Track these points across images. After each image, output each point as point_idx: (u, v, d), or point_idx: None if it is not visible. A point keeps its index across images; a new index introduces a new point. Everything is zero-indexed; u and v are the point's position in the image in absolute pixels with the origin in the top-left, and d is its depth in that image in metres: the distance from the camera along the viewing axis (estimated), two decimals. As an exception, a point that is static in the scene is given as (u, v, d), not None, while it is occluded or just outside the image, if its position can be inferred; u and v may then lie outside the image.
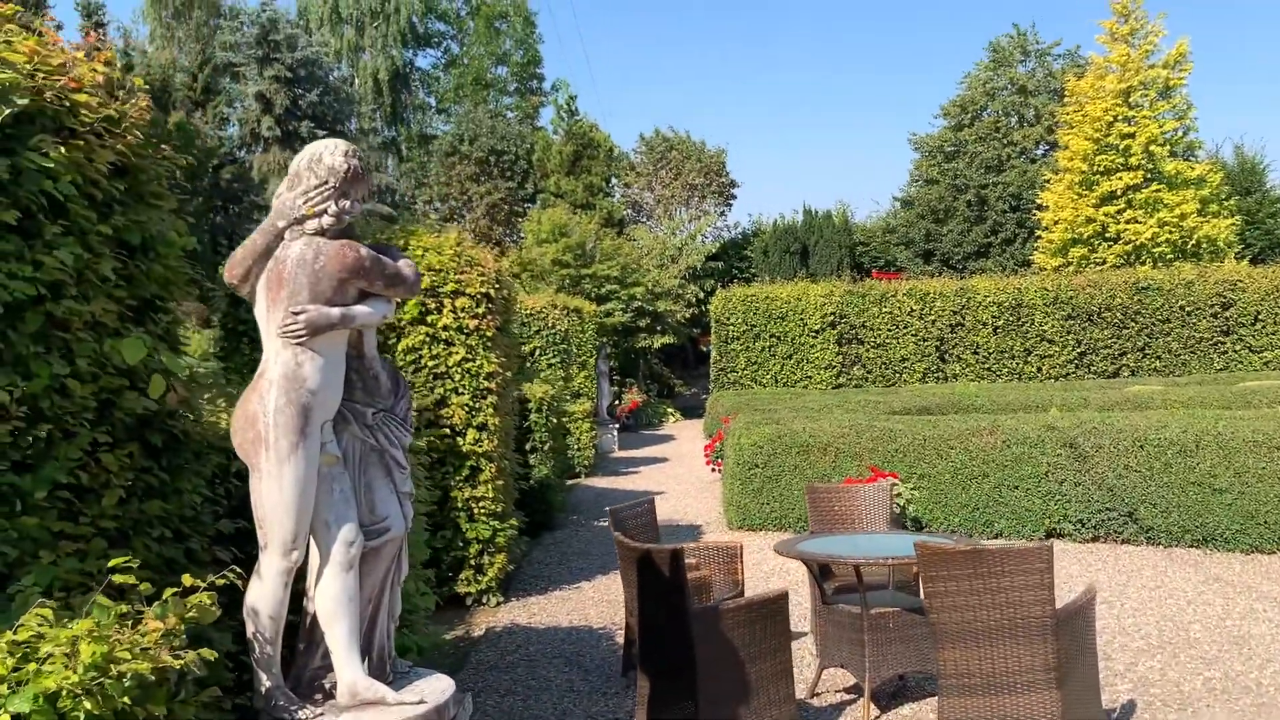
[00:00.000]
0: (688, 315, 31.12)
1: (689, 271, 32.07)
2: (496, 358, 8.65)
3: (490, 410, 8.56)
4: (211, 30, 36.37)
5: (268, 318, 3.42)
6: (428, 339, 8.52)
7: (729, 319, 24.87)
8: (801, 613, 7.37)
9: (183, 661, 2.72)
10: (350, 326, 3.46)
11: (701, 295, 31.70)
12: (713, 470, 16.26)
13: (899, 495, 10.00)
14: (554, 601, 8.91)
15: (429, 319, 8.52)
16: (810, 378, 24.38)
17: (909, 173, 39.97)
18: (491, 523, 8.61)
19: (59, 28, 3.99)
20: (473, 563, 8.63)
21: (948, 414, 14.84)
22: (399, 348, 8.47)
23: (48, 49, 3.69)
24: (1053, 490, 10.41)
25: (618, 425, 23.21)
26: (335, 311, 3.40)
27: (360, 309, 3.48)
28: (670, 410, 29.74)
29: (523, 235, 30.39)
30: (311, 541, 3.47)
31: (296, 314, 3.35)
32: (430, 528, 8.52)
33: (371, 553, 3.58)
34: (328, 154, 3.53)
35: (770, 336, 24.76)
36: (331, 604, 3.42)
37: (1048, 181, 31.65)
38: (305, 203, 3.44)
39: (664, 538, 11.44)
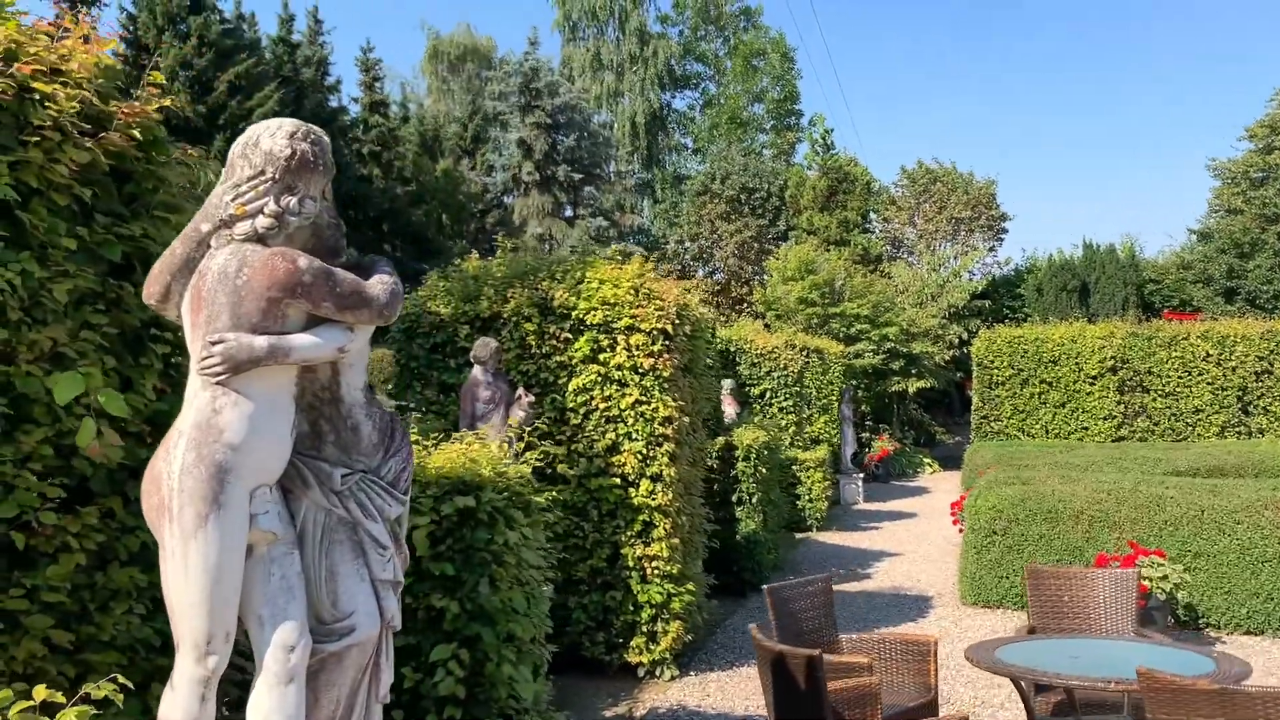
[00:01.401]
0: (948, 357, 28.95)
1: (950, 310, 29.90)
2: (675, 401, 7.75)
3: (666, 459, 7.65)
4: (482, 82, 38.08)
5: (191, 348, 2.67)
6: (600, 379, 7.75)
7: (993, 362, 22.73)
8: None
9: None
10: (285, 362, 2.65)
11: (965, 336, 29.46)
12: (960, 531, 14.56)
13: (1164, 579, 8.17)
14: (736, 681, 7.81)
15: (601, 357, 7.76)
16: (1086, 429, 21.81)
17: (1208, 202, 35.76)
18: (666, 585, 7.67)
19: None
20: (644, 629, 7.70)
21: (1244, 477, 12.47)
22: (570, 387, 7.75)
23: (21, 34, 3.17)
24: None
25: (863, 475, 21.64)
26: (260, 342, 2.61)
27: (300, 340, 2.68)
28: (927, 460, 27.65)
29: (768, 274, 29.41)
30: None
31: (214, 344, 2.59)
32: (600, 587, 7.71)
33: (332, 659, 2.75)
34: (266, 136, 2.76)
35: (1040, 383, 22.40)
36: None
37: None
38: (234, 199, 2.68)
39: (881, 610, 10.11)
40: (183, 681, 2.59)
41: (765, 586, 5.47)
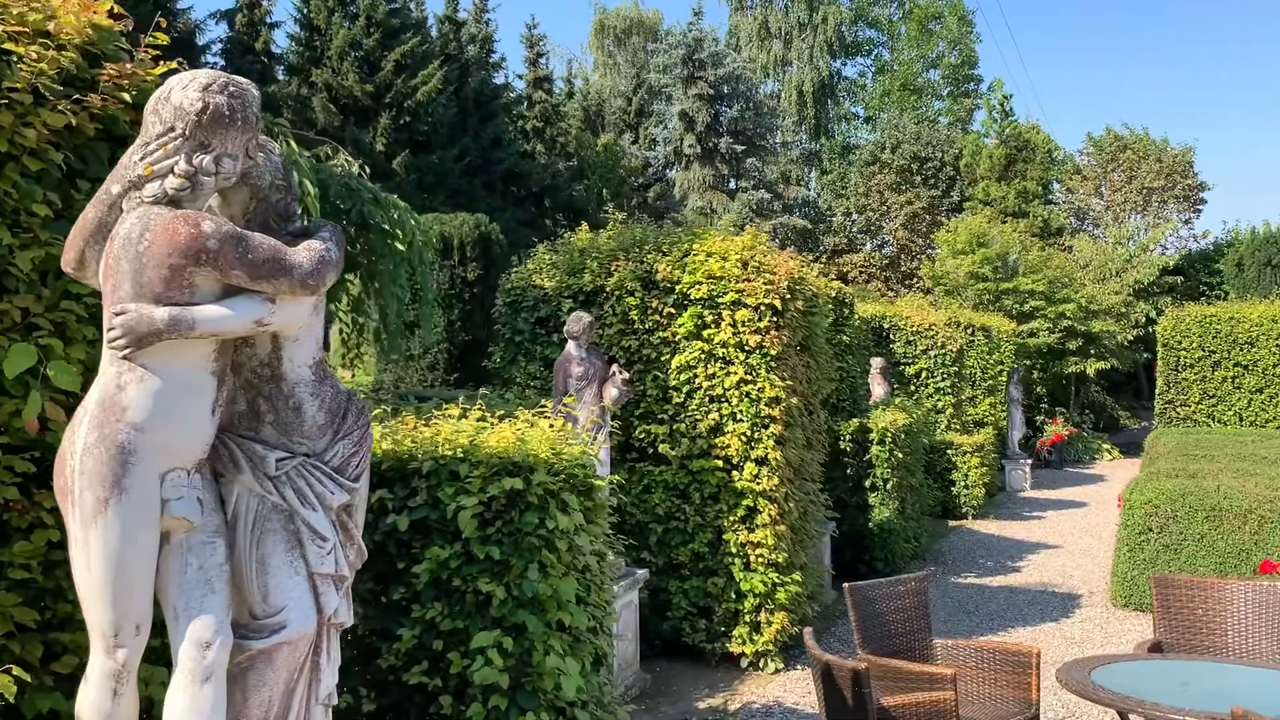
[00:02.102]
0: (1132, 337, 26.98)
1: (1136, 287, 27.84)
2: (783, 380, 7.32)
3: (772, 442, 7.25)
4: (647, 55, 37.87)
5: (105, 319, 2.50)
6: (704, 356, 7.41)
7: (1180, 343, 20.98)
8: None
9: None
10: (190, 336, 2.43)
11: (1154, 314, 27.39)
12: (1126, 524, 13.46)
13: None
14: (845, 677, 7.35)
15: (705, 333, 7.41)
16: (1286, 416, 19.90)
17: None
18: (770, 574, 7.28)
19: None
20: (747, 619, 7.35)
21: None
22: (672, 364, 7.44)
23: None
24: None
25: (1031, 461, 20.42)
26: (161, 314, 2.40)
27: (207, 312, 2.45)
28: (1106, 446, 25.91)
29: (937, 248, 28.12)
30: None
31: (116, 315, 2.41)
32: (701, 572, 7.41)
33: (261, 658, 2.55)
34: (178, 89, 2.53)
35: (1235, 366, 20.54)
36: None
37: None
38: (142, 159, 2.48)
39: (1021, 608, 9.38)
40: (94, 675, 2.46)
41: (846, 585, 5.04)
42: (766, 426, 7.29)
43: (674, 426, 7.46)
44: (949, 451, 15.67)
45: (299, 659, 2.60)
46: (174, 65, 3.50)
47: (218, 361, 2.54)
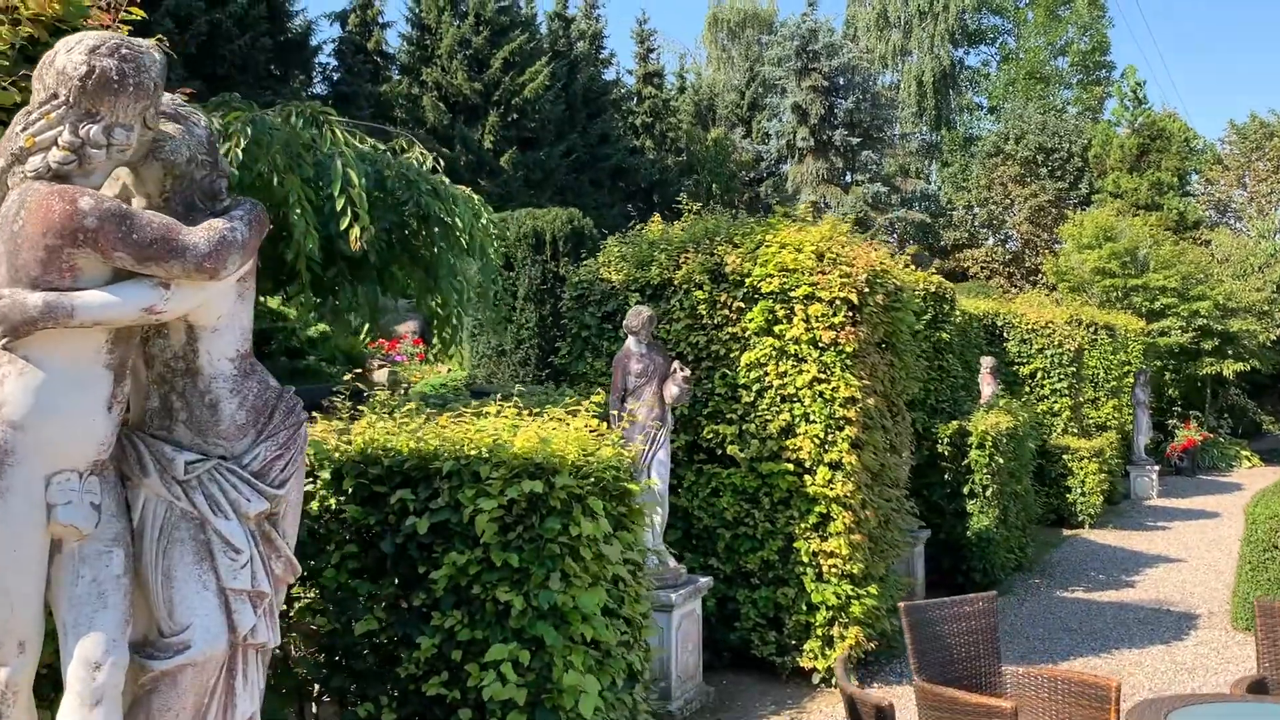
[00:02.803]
0: (1276, 336, 25.21)
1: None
2: (860, 380, 6.88)
3: (847, 445, 6.81)
4: (761, 48, 37.27)
5: None
6: (775, 353, 7.02)
7: (1327, 343, 19.51)
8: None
9: None
10: (68, 324, 2.20)
11: (1301, 312, 25.54)
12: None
13: None
14: (924, 698, 6.86)
15: (776, 329, 7.02)
16: None
17: None
18: (844, 586, 6.85)
19: None
20: (819, 632, 6.93)
21: None
22: (742, 361, 7.08)
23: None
24: None
25: (1158, 467, 19.22)
26: (35, 300, 2.17)
27: (87, 298, 2.22)
28: (1245, 453, 24.26)
29: (1061, 241, 26.80)
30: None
31: None
32: (771, 582, 7.03)
33: (166, 680, 2.31)
34: (63, 53, 2.30)
35: (1390, 367, 18.99)
36: None
37: None
38: (23, 129, 2.27)
39: (1129, 627, 8.67)
40: (-20, 691, 2.27)
41: (901, 605, 4.60)
42: (841, 429, 6.85)
43: (743, 427, 7.09)
44: (1064, 456, 14.82)
45: (207, 682, 2.36)
46: (156, 41, 3.31)
47: (114, 353, 2.32)
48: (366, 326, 11.85)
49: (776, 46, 34.29)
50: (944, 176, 36.86)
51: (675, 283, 7.33)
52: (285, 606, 4.70)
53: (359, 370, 8.90)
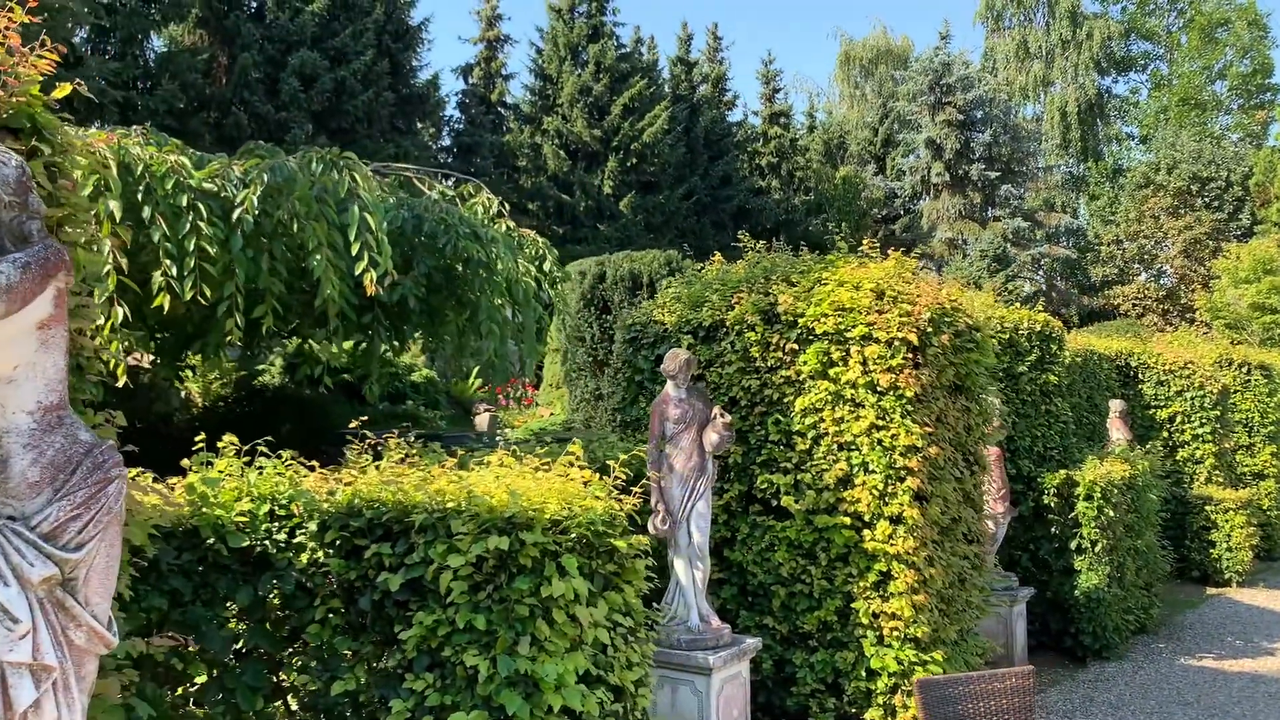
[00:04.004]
0: None
1: None
2: (922, 426, 6.36)
3: (908, 498, 6.30)
4: (895, 84, 36.50)
5: None
6: (830, 398, 6.58)
7: None
8: None
9: None
10: None
11: None
12: None
13: None
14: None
15: (832, 372, 6.58)
16: None
17: None
18: (908, 651, 6.30)
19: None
20: (880, 700, 6.39)
21: None
22: (796, 406, 6.66)
23: None
24: None
25: (1326, 519, 17.49)
26: None
27: None
28: None
29: (1216, 276, 25.02)
30: None
31: None
32: (830, 644, 6.55)
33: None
34: None
35: None
36: None
37: None
38: None
39: (1258, 703, 7.74)
40: None
41: (917, 679, 4.11)
42: (902, 479, 6.34)
43: (798, 476, 6.65)
44: (1207, 508, 13.61)
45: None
46: (69, 88, 3.24)
47: None
48: (476, 370, 11.75)
49: (910, 82, 33.53)
50: (1091, 210, 35.14)
51: (727, 324, 6.98)
52: (275, 668, 4.58)
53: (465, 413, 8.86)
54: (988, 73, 36.53)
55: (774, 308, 6.82)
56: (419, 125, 21.81)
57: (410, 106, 21.15)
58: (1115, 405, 13.08)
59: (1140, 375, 14.95)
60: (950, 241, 31.90)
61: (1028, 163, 33.63)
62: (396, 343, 7.12)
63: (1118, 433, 12.85)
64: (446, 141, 23.87)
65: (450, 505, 4.19)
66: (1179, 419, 14.72)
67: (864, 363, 6.45)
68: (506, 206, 8.81)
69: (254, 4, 19.58)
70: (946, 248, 31.61)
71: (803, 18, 75.24)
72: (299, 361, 12.53)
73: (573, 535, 4.13)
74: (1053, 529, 9.39)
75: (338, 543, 4.43)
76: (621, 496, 4.46)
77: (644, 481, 5.81)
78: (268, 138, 18.15)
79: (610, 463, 5.06)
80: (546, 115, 24.43)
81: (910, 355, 6.39)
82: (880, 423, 6.39)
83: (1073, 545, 9.23)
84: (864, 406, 6.45)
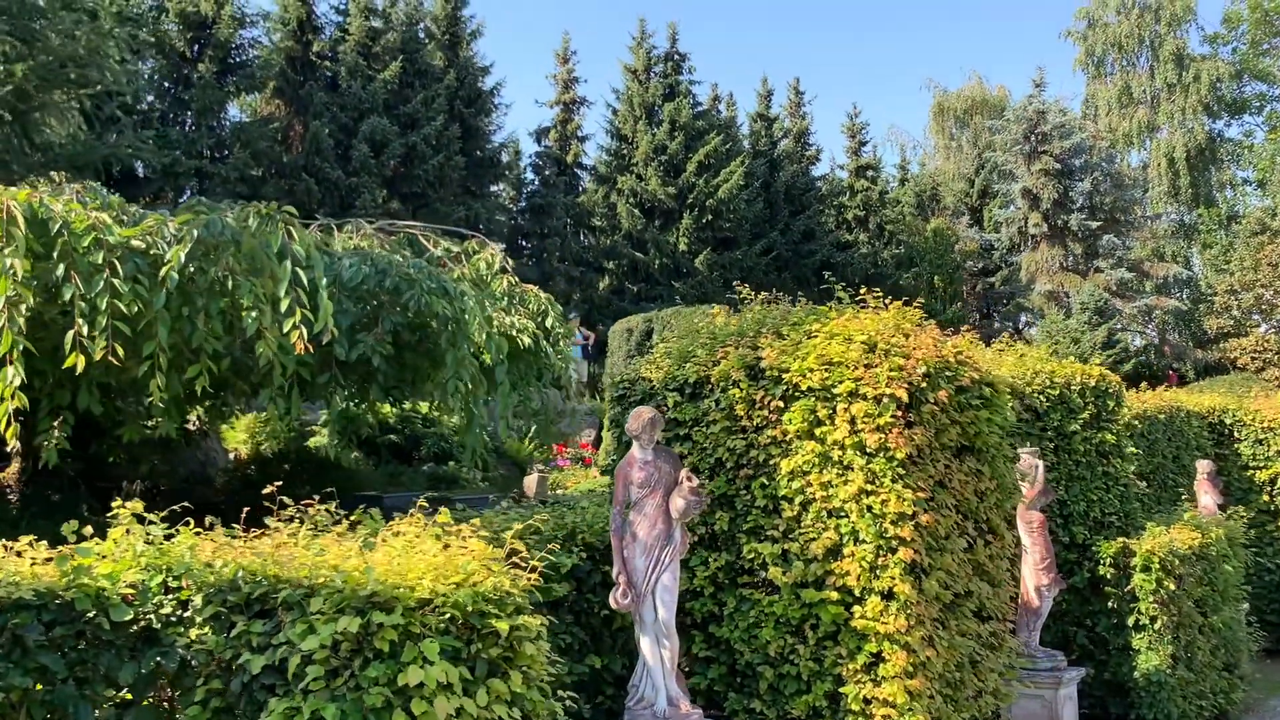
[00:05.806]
0: None
1: None
2: (915, 492, 5.77)
3: (899, 571, 5.70)
4: (991, 134, 35.51)
5: None
6: (818, 460, 6.04)
7: None
8: None
9: None
10: None
11: None
12: None
13: None
14: None
15: (818, 432, 6.05)
16: None
17: None
18: (902, 743, 5.64)
19: None
20: (874, 800, 5.73)
21: None
22: (783, 469, 6.14)
23: None
24: None
25: None
26: None
27: None
28: None
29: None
30: None
31: None
32: (821, 733, 5.94)
33: None
34: None
35: None
36: None
37: None
38: None
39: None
40: None
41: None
42: (894, 550, 5.74)
43: (786, 546, 6.10)
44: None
45: None
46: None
47: None
48: (533, 430, 11.52)
49: (1005, 131, 32.57)
50: (1204, 259, 33.34)
51: (712, 380, 6.52)
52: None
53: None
54: (1089, 120, 35.25)
55: (759, 362, 6.34)
56: (491, 188, 22.00)
57: (482, 170, 21.36)
58: (1203, 466, 12.06)
59: (1236, 433, 13.80)
60: (1050, 294, 30.61)
61: (1132, 211, 32.18)
62: (363, 404, 6.87)
63: (1207, 495, 11.83)
64: (523, 204, 24.02)
65: (319, 580, 3.85)
66: (1277, 482, 13.49)
67: (851, 421, 5.91)
68: (510, 262, 8.59)
69: (328, 74, 20.11)
70: (1046, 301, 30.32)
71: (891, 72, 74.64)
72: (347, 421, 12.49)
73: (446, 615, 3.72)
74: (1110, 603, 8.54)
75: (220, 617, 4.12)
76: (517, 571, 4.05)
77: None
78: (339, 203, 18.49)
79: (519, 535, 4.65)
80: (621, 174, 24.39)
81: (901, 413, 5.82)
82: (869, 487, 5.82)
83: (1130, 621, 8.36)
84: (852, 469, 5.90)
